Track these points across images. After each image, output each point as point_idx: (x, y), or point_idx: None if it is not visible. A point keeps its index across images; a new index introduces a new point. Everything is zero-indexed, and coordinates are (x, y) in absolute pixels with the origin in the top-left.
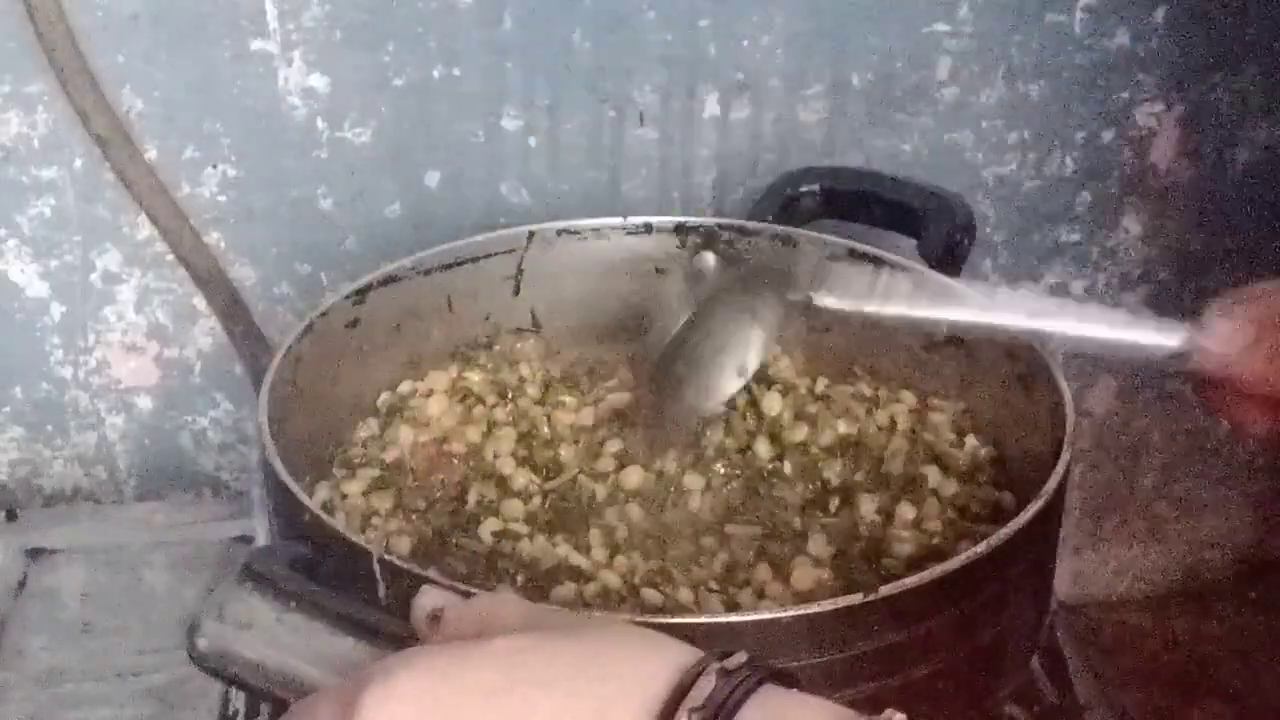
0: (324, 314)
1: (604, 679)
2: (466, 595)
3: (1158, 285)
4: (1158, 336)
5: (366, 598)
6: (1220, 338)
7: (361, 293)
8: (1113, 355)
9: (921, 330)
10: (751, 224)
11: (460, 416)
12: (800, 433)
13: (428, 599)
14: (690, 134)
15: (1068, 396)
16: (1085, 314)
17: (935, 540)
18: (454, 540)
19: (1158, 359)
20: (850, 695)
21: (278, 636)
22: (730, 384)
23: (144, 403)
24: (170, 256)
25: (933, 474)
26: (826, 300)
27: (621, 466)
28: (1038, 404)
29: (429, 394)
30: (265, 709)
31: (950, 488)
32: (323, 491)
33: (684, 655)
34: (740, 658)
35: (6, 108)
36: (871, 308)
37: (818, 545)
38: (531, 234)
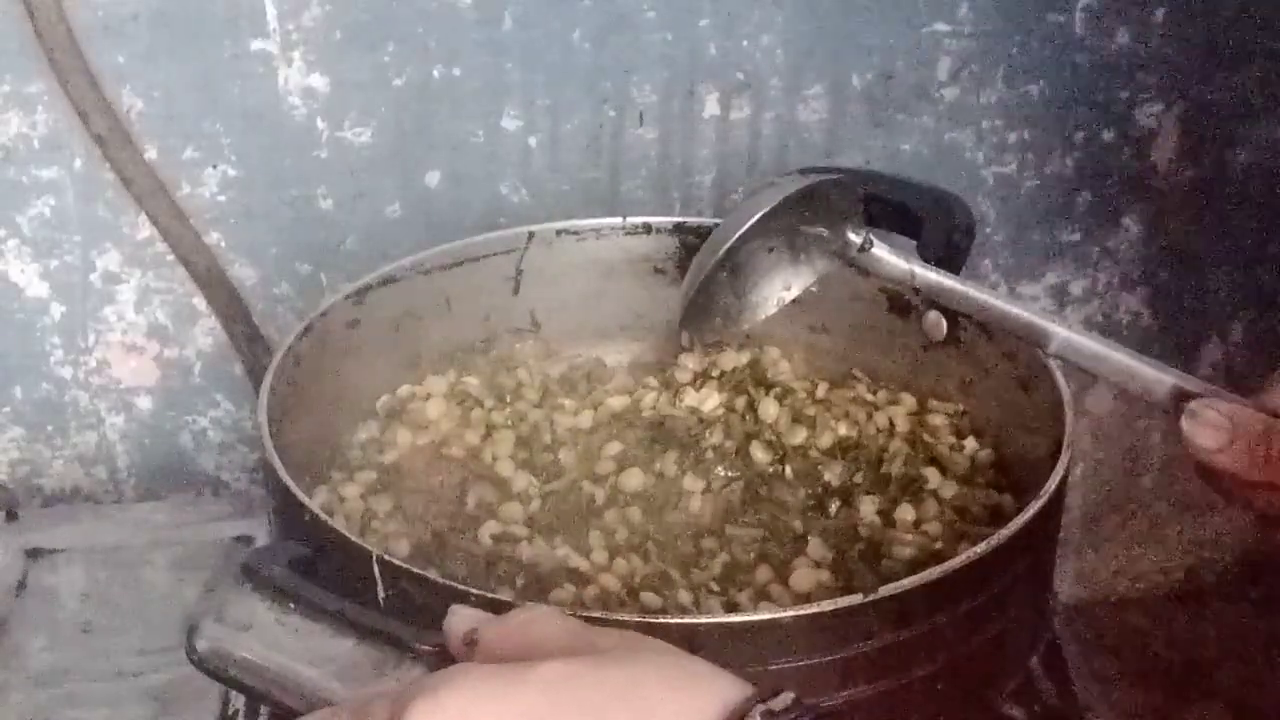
0: (324, 314)
1: (650, 712)
2: (466, 596)
3: (1158, 285)
4: (1149, 393)
5: (366, 599)
6: (1195, 440)
7: (361, 293)
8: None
9: (948, 305)
10: None
11: (459, 419)
12: (799, 435)
13: (459, 621)
14: (690, 134)
15: (1068, 397)
16: (1093, 349)
17: (935, 543)
18: (453, 542)
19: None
20: (850, 695)
21: (277, 638)
22: (770, 303)
23: (144, 403)
24: (170, 256)
25: (932, 476)
26: (881, 248)
27: (621, 469)
28: (1038, 404)
29: (427, 397)
30: (265, 710)
31: (950, 490)
32: (321, 494)
33: (730, 691)
34: (786, 699)
35: (6, 108)
36: (918, 268)
37: (817, 547)
38: (531, 234)
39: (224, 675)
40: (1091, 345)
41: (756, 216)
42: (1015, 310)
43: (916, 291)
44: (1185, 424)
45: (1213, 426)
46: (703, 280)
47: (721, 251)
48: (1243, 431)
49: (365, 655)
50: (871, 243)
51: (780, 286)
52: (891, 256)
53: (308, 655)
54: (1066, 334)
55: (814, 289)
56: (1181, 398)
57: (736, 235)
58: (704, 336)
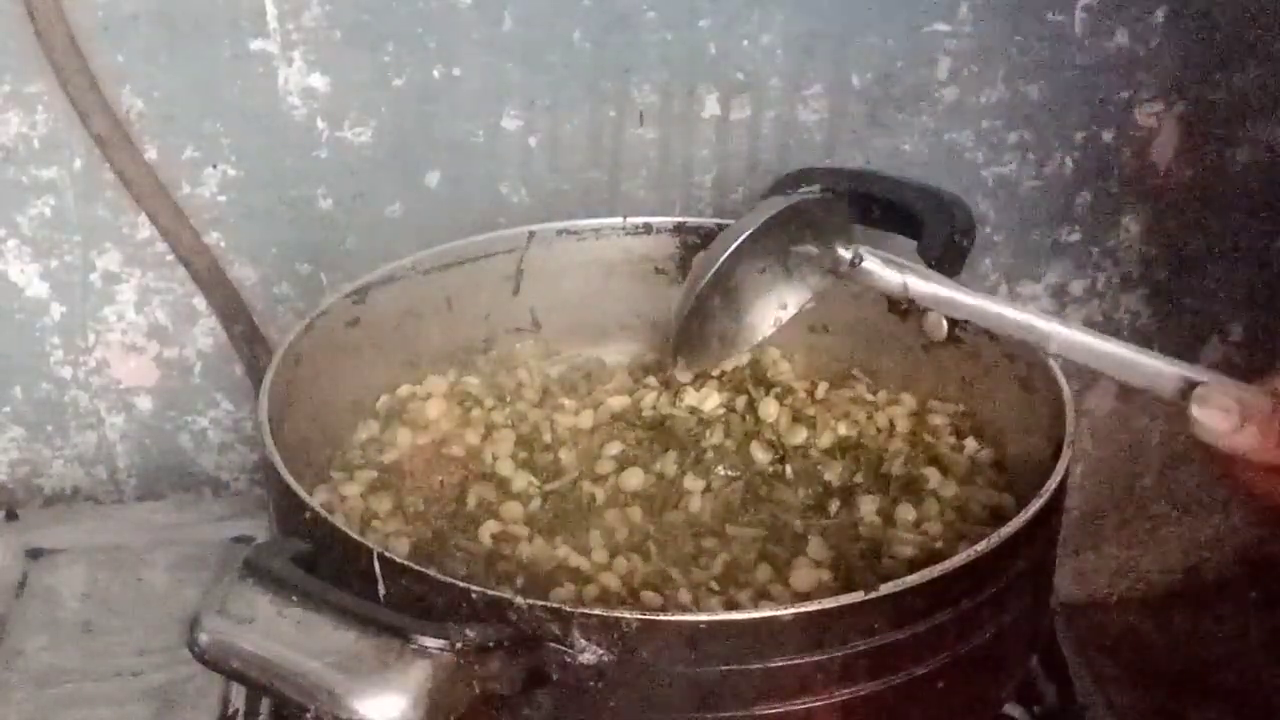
0: (324, 314)
1: None
2: (467, 594)
3: (1158, 285)
4: (1154, 386)
5: (366, 597)
6: (1206, 424)
7: (361, 293)
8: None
9: (945, 313)
10: None
11: (459, 419)
12: (800, 435)
13: None
14: (690, 134)
15: (1068, 396)
16: (1094, 346)
17: (935, 543)
18: (453, 542)
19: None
20: (850, 695)
21: (279, 630)
22: (767, 323)
23: (144, 403)
24: (170, 256)
25: (932, 476)
26: (873, 261)
27: (621, 469)
28: (1038, 404)
29: (427, 397)
30: (265, 708)
31: (950, 489)
32: (321, 494)
33: None
34: None
35: (6, 108)
36: (912, 278)
37: (817, 547)
38: (531, 234)
39: (226, 668)
40: (1093, 342)
41: (741, 238)
42: (1012, 313)
43: (912, 301)
44: (1195, 409)
45: (1223, 409)
46: (693, 305)
47: (709, 275)
48: (1253, 412)
49: (367, 647)
50: (862, 257)
51: (776, 305)
52: (884, 269)
53: (309, 647)
54: (1067, 333)
55: (811, 302)
56: (1189, 387)
57: (723, 259)
58: (701, 363)
